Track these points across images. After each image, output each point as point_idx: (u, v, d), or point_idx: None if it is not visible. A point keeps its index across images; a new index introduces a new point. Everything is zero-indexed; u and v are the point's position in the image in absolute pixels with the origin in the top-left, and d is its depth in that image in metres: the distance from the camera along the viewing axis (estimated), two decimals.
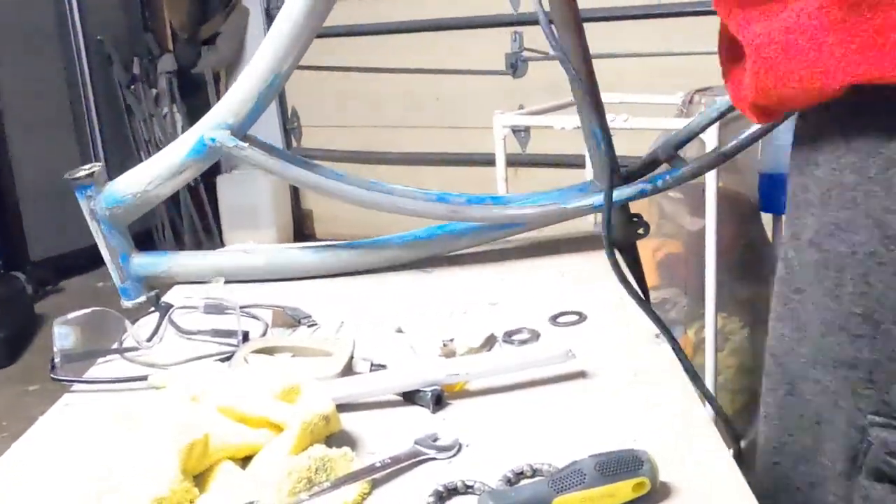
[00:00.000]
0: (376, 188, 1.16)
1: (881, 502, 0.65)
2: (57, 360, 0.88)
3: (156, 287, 1.16)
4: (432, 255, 1.19)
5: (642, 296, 1.01)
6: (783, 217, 0.78)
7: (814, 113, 0.67)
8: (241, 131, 1.11)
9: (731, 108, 1.16)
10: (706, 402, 0.88)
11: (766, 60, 0.64)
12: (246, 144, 1.09)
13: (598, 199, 1.13)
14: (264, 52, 1.09)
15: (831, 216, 0.66)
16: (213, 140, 1.08)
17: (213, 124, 1.10)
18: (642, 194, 1.12)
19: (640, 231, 1.17)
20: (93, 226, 1.12)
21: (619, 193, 1.12)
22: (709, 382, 1.93)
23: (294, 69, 1.11)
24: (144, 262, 1.15)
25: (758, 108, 0.70)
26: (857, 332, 0.64)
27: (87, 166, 1.11)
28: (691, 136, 1.19)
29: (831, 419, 0.68)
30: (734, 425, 1.05)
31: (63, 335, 0.89)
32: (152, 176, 1.11)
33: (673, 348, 0.90)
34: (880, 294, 0.62)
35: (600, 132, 1.11)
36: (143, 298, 1.14)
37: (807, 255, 0.69)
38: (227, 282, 1.15)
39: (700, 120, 1.18)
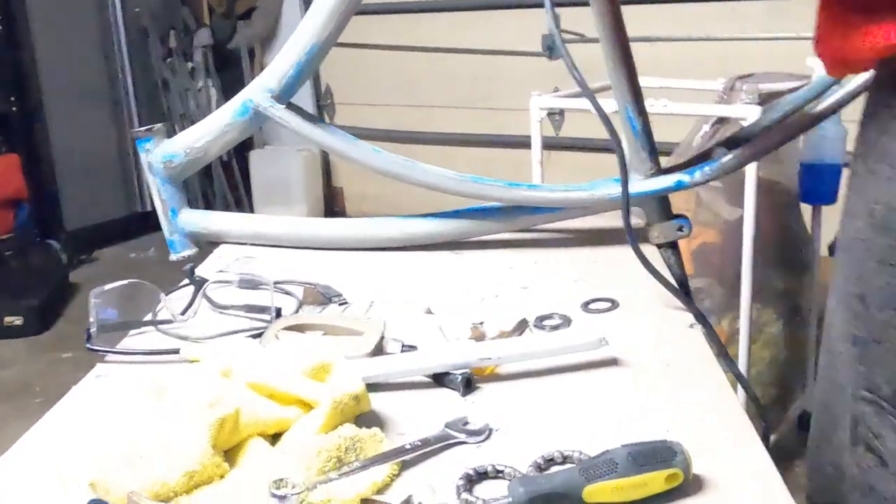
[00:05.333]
0: (397, 161, 1.17)
1: (869, 472, 0.70)
2: (92, 330, 0.89)
3: (202, 244, 1.21)
4: (463, 235, 1.19)
5: (678, 287, 0.99)
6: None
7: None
8: (282, 98, 1.15)
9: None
10: (738, 393, 0.87)
11: None
12: (282, 106, 1.14)
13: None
14: (305, 23, 1.13)
15: (850, 202, 0.73)
16: (251, 101, 1.14)
17: (258, 89, 1.15)
18: (679, 186, 1.07)
19: (681, 230, 1.12)
20: (149, 178, 1.18)
21: (655, 184, 1.08)
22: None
23: (334, 42, 1.13)
24: (192, 219, 1.20)
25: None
26: (856, 310, 0.70)
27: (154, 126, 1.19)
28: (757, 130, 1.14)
29: (845, 388, 0.73)
30: (767, 417, 1.03)
31: (99, 306, 0.90)
32: (201, 134, 1.17)
33: (709, 333, 0.90)
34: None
35: (637, 118, 1.09)
36: (187, 253, 1.19)
37: (843, 233, 0.75)
38: (267, 246, 1.21)
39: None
